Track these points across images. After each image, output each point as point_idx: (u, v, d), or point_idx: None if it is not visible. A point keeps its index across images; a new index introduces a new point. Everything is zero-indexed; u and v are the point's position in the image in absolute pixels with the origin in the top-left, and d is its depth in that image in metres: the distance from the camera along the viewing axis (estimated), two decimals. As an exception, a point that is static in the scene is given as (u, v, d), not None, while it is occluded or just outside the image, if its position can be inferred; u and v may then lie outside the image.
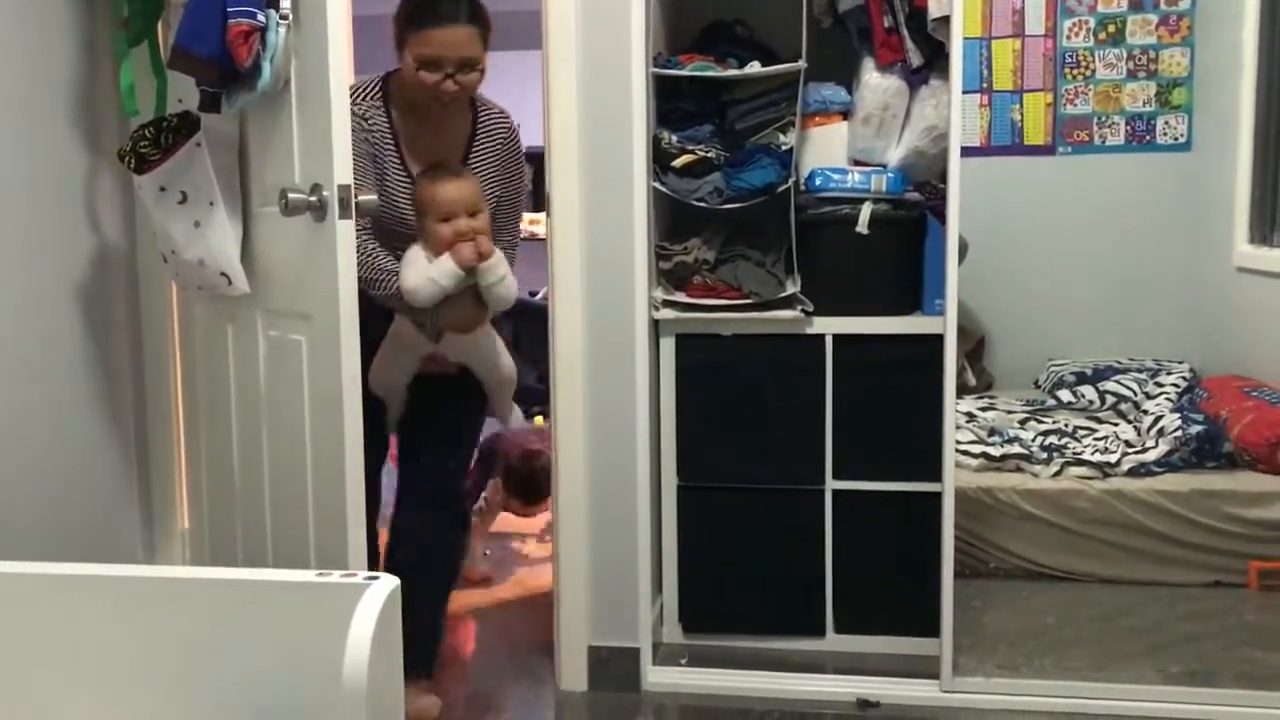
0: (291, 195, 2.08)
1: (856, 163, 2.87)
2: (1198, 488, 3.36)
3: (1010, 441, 3.58)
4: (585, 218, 2.70)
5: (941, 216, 2.64)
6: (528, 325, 5.14)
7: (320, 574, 1.49)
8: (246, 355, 2.40)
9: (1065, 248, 4.51)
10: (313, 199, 2.07)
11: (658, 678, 2.77)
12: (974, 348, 4.50)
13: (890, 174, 2.82)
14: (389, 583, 1.43)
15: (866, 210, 2.78)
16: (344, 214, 2.04)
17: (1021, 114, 4.63)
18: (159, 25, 2.49)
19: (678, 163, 2.80)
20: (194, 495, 2.78)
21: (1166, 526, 3.33)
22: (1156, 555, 3.34)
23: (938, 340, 2.64)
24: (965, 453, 3.48)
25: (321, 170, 2.06)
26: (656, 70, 2.77)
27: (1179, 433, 3.54)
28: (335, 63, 2.01)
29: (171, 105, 2.45)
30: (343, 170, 2.04)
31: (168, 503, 2.83)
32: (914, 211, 2.84)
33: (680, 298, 2.82)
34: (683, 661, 2.86)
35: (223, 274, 2.33)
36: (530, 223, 7.08)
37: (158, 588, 1.56)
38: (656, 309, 2.80)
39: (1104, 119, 4.58)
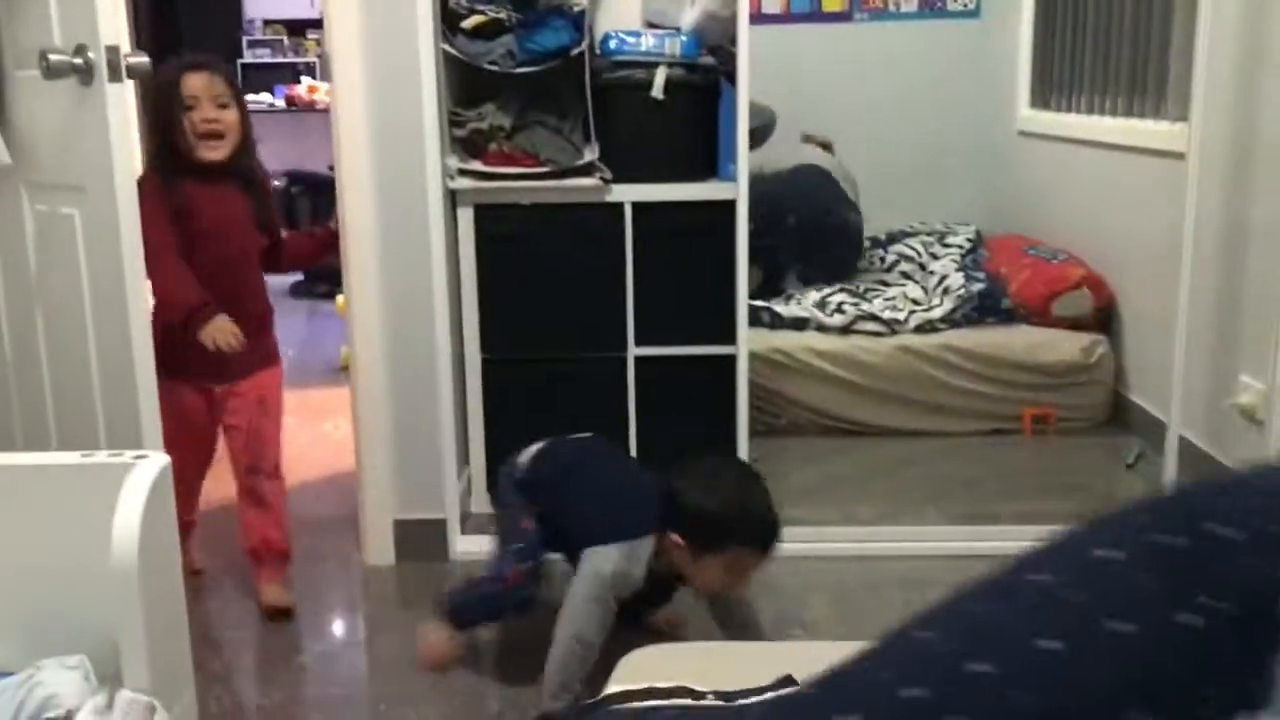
0: (53, 57, 1.92)
1: (651, 25, 2.83)
2: (979, 341, 3.56)
3: (798, 303, 3.70)
4: (370, 84, 2.59)
5: (735, 81, 2.64)
6: (325, 200, 4.95)
7: (85, 454, 1.42)
8: (10, 231, 2.23)
9: (862, 115, 4.60)
10: (77, 61, 1.91)
11: (466, 546, 2.79)
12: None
13: (684, 37, 2.79)
14: (157, 460, 1.38)
15: (661, 74, 2.75)
16: (114, 77, 1.89)
17: (820, -19, 4.66)
18: None
19: (467, 24, 2.70)
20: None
21: (950, 379, 3.53)
22: (941, 407, 3.54)
23: (732, 206, 2.67)
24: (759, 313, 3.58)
25: (86, 29, 1.89)
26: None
27: (962, 290, 3.72)
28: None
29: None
30: (109, 29, 1.88)
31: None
32: (709, 76, 2.84)
33: (477, 166, 2.76)
34: (491, 530, 2.88)
35: (-21, 144, 2.15)
36: (328, 94, 6.81)
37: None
38: (452, 178, 2.73)
39: (898, -14, 4.66)
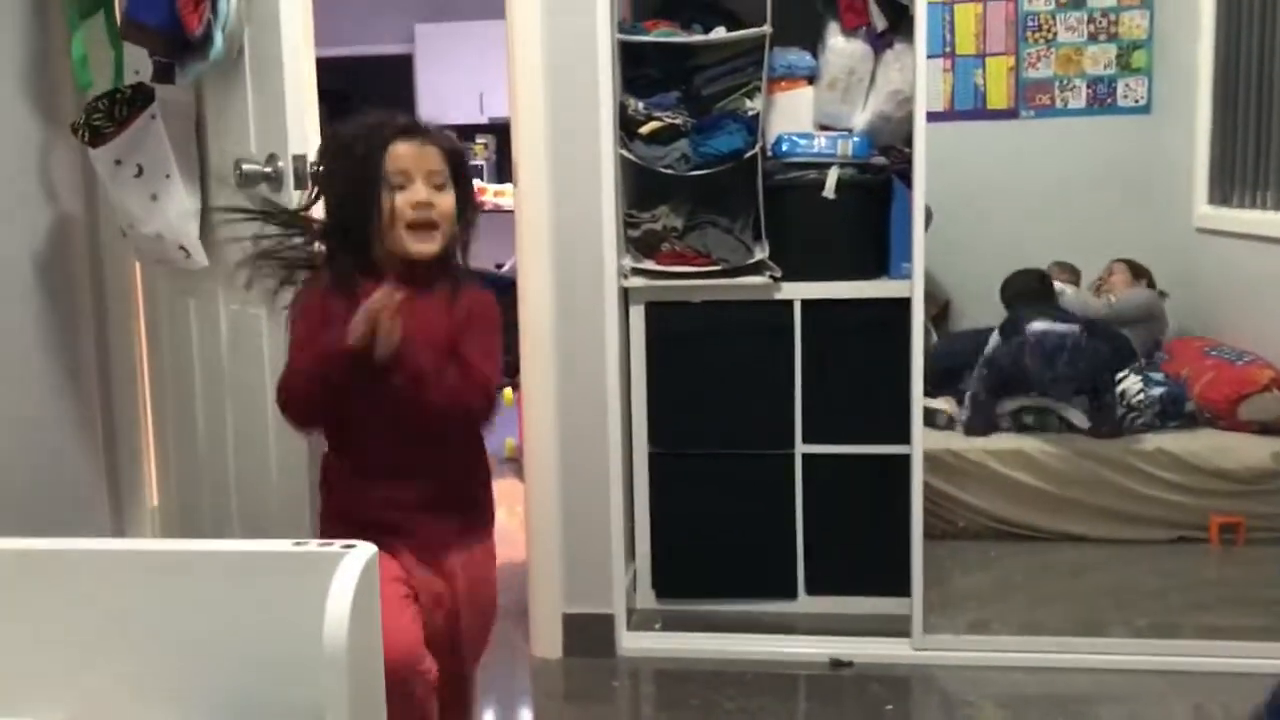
0: (245, 166, 2.06)
1: (822, 128, 2.87)
2: (1161, 445, 3.41)
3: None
4: (552, 187, 2.68)
5: (907, 180, 2.65)
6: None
7: (297, 543, 1.48)
8: (208, 330, 2.38)
9: (1029, 211, 4.54)
10: (268, 170, 2.04)
11: (632, 643, 2.79)
12: (939, 312, 4.53)
13: (856, 138, 2.82)
14: (366, 550, 1.43)
15: (833, 175, 2.78)
16: (299, 184, 2.02)
17: (984, 78, 4.65)
18: (115, -3, 2.45)
19: (645, 130, 2.79)
20: (163, 473, 2.76)
21: (1131, 483, 3.38)
22: (1122, 513, 3.39)
23: (905, 304, 2.66)
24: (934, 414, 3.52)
25: (276, 140, 2.03)
26: (622, 37, 2.76)
27: (1141, 396, 3.59)
28: (289, 30, 1.99)
29: (129, 77, 2.42)
30: (298, 139, 2.02)
31: (136, 481, 2.81)
32: (880, 175, 2.85)
33: (649, 265, 2.82)
34: (657, 626, 2.88)
35: (181, 248, 2.30)
36: (496, 194, 7.09)
37: (128, 561, 1.54)
38: (626, 277, 2.80)
39: (1065, 82, 4.61)
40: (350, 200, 1.75)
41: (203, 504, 2.49)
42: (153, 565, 1.54)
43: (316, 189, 1.85)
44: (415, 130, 1.75)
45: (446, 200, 1.76)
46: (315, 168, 1.85)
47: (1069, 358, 3.47)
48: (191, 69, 2.16)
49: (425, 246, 1.74)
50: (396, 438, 1.77)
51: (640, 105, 2.80)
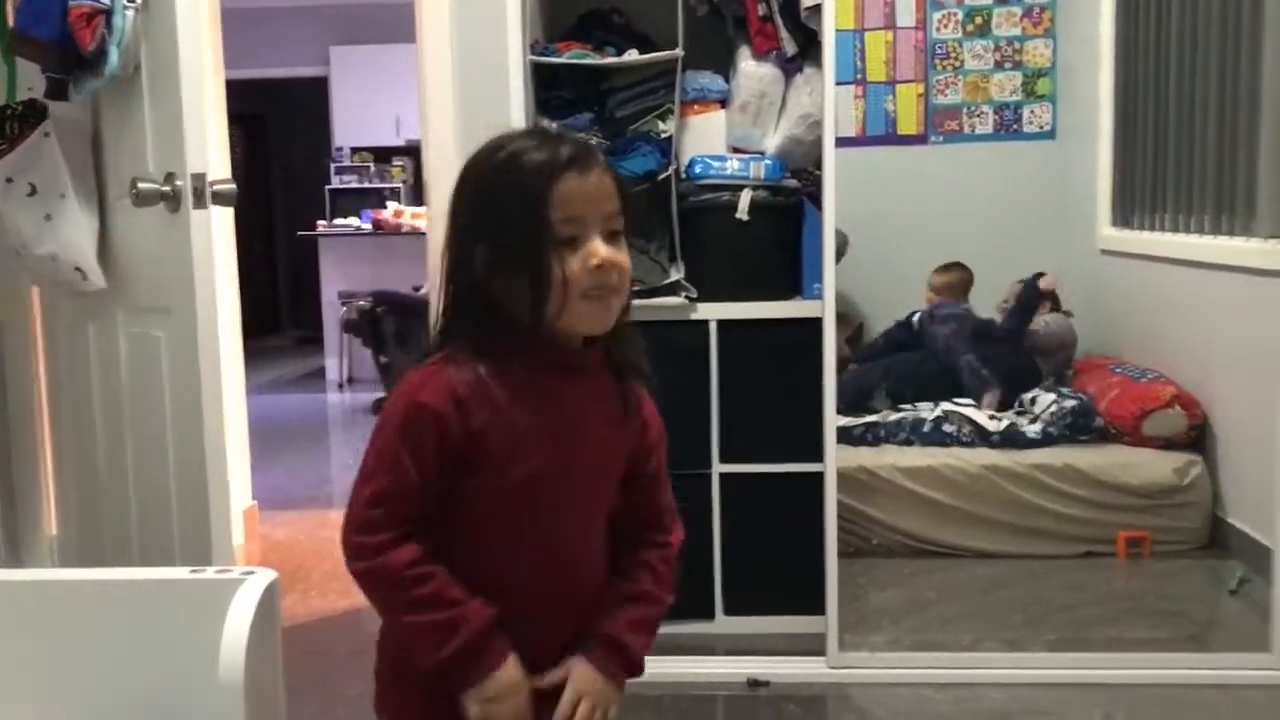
0: (142, 185, 2.01)
1: (735, 150, 2.89)
2: (1070, 461, 3.49)
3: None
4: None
5: (818, 203, 2.68)
6: (409, 322, 5.08)
7: (194, 571, 1.44)
8: (108, 353, 2.32)
9: (938, 234, 4.62)
10: (165, 188, 2.00)
11: (550, 668, 2.75)
12: (853, 333, 4.59)
13: (768, 161, 2.85)
14: (265, 577, 1.39)
15: (746, 197, 2.81)
16: (198, 204, 1.98)
17: (895, 104, 4.74)
18: (8, 9, 2.38)
19: (558, 151, 2.78)
20: (62, 500, 2.67)
21: (1040, 499, 3.45)
22: (1031, 528, 3.46)
23: (818, 324, 2.68)
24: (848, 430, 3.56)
25: (174, 158, 1.99)
26: (534, 58, 2.75)
27: (1054, 408, 3.67)
28: (186, 47, 1.95)
29: (21, 93, 2.35)
30: (196, 157, 1.98)
31: (33, 508, 2.72)
32: (792, 198, 2.88)
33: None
34: (574, 651, 2.84)
35: (77, 269, 2.24)
36: (414, 216, 7.04)
37: (21, 591, 1.49)
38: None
39: (973, 108, 4.73)
40: (507, 263, 1.19)
41: (103, 532, 2.41)
42: (45, 595, 1.49)
43: (453, 248, 1.24)
44: (587, 159, 1.20)
45: (625, 257, 1.22)
46: (456, 220, 1.25)
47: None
48: (86, 85, 2.11)
49: (603, 320, 1.22)
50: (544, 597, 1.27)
51: (554, 127, 2.80)
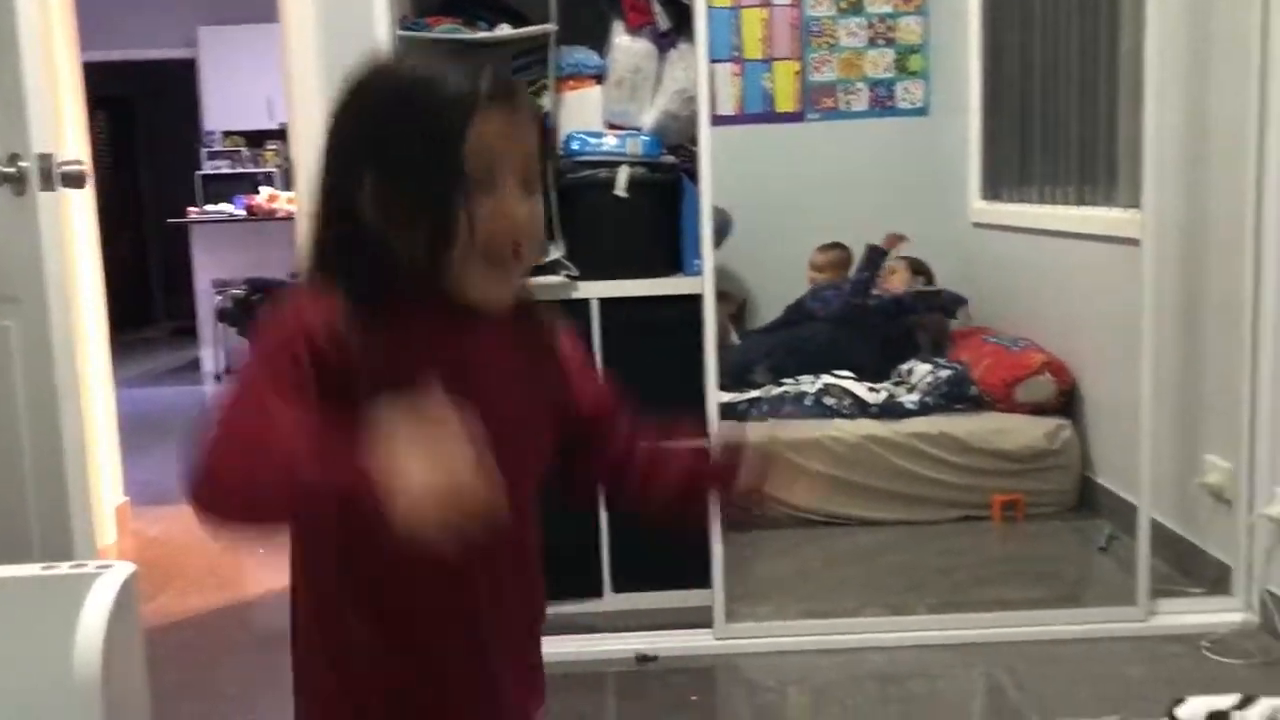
0: (-17, 166, 1.91)
1: (612, 126, 2.88)
2: (946, 429, 3.57)
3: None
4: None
5: (696, 178, 2.69)
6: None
7: (46, 566, 1.37)
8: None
9: (818, 212, 4.68)
10: (10, 170, 1.90)
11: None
12: (737, 311, 4.63)
13: (645, 137, 2.84)
14: (122, 570, 1.34)
15: (624, 173, 2.79)
16: (46, 186, 1.89)
17: (772, 82, 4.78)
18: None
19: (431, 128, 2.73)
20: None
21: (918, 467, 3.53)
22: (912, 495, 3.54)
23: (698, 300, 2.69)
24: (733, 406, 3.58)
25: (18, 138, 1.89)
26: (403, 33, 2.69)
27: (930, 378, 3.75)
28: (27, 21, 1.85)
29: None
30: (43, 137, 1.89)
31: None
32: (670, 174, 2.88)
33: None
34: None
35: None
36: (289, 201, 6.85)
37: None
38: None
39: (848, 86, 4.79)
40: (402, 204, 1.00)
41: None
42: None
43: (332, 171, 1.04)
44: (513, 92, 1.03)
45: (538, 209, 1.04)
46: (340, 138, 1.05)
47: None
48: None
49: (504, 291, 1.04)
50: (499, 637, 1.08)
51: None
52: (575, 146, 2.81)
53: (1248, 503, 2.74)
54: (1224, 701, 1.42)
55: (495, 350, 1.06)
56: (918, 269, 4.41)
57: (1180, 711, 1.42)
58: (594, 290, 2.81)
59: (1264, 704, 1.42)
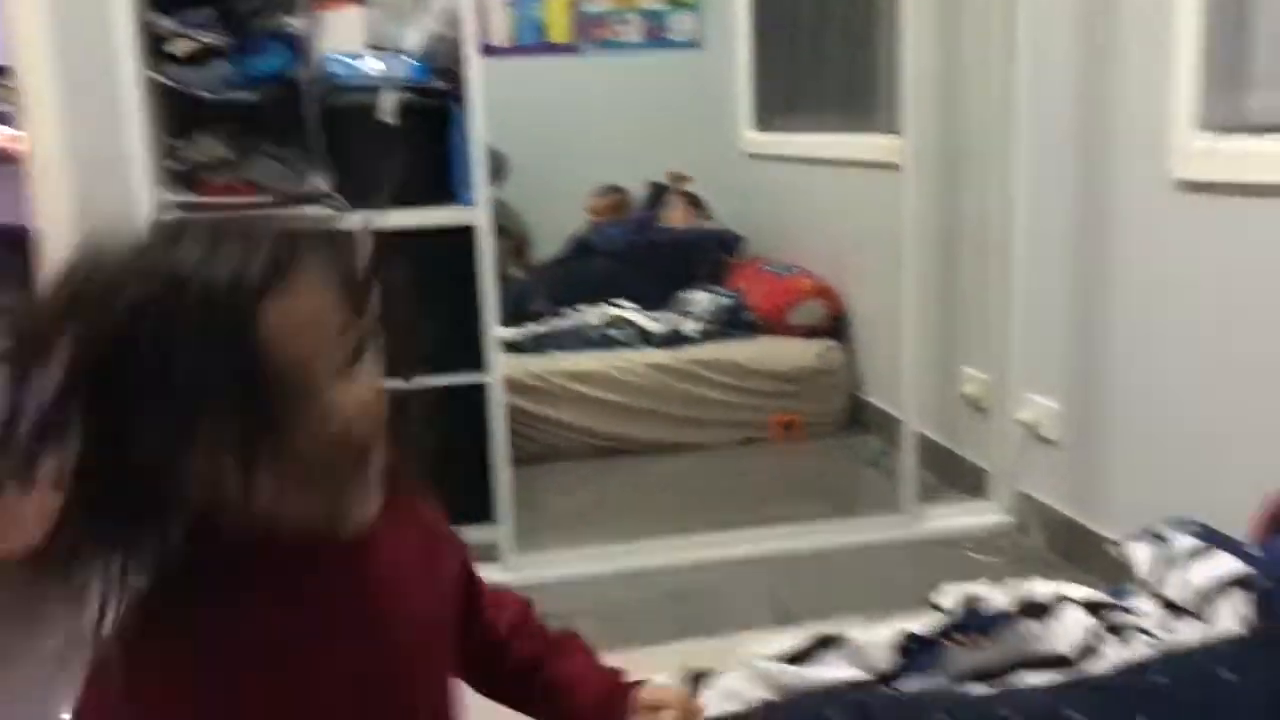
0: None
1: (375, 48, 2.75)
2: (723, 354, 3.65)
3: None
4: (70, 126, 2.38)
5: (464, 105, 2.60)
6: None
7: None
8: None
9: (595, 147, 4.65)
10: None
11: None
12: (517, 246, 4.57)
13: (411, 60, 2.73)
14: None
15: (391, 98, 2.67)
16: None
17: (545, 11, 4.70)
18: None
19: (179, 51, 2.54)
20: None
21: (701, 392, 3.60)
22: (698, 420, 3.61)
23: (473, 232, 2.62)
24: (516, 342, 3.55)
25: None
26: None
27: (710, 306, 3.83)
28: None
29: None
30: None
31: None
32: (440, 100, 2.78)
33: (191, 198, 2.59)
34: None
35: None
36: (10, 140, 6.28)
37: None
38: (165, 214, 2.55)
39: (620, 16, 4.76)
40: (210, 440, 0.72)
41: None
42: None
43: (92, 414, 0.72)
44: (297, 263, 0.76)
45: (377, 381, 0.82)
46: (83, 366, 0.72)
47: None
48: None
49: (362, 507, 0.81)
50: None
51: (171, 24, 2.55)
52: (337, 70, 2.67)
53: (1001, 410, 2.92)
54: (977, 588, 1.50)
55: (382, 560, 0.85)
56: (695, 203, 4.46)
57: (939, 599, 1.50)
58: (362, 222, 2.69)
59: (1012, 585, 1.51)
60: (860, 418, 3.74)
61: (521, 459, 2.87)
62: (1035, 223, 2.77)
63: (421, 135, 2.75)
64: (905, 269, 2.87)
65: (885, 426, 3.46)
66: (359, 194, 2.68)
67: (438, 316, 2.69)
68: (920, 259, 2.94)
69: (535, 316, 3.86)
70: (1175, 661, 1.10)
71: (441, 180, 2.78)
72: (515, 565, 2.69)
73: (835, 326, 3.82)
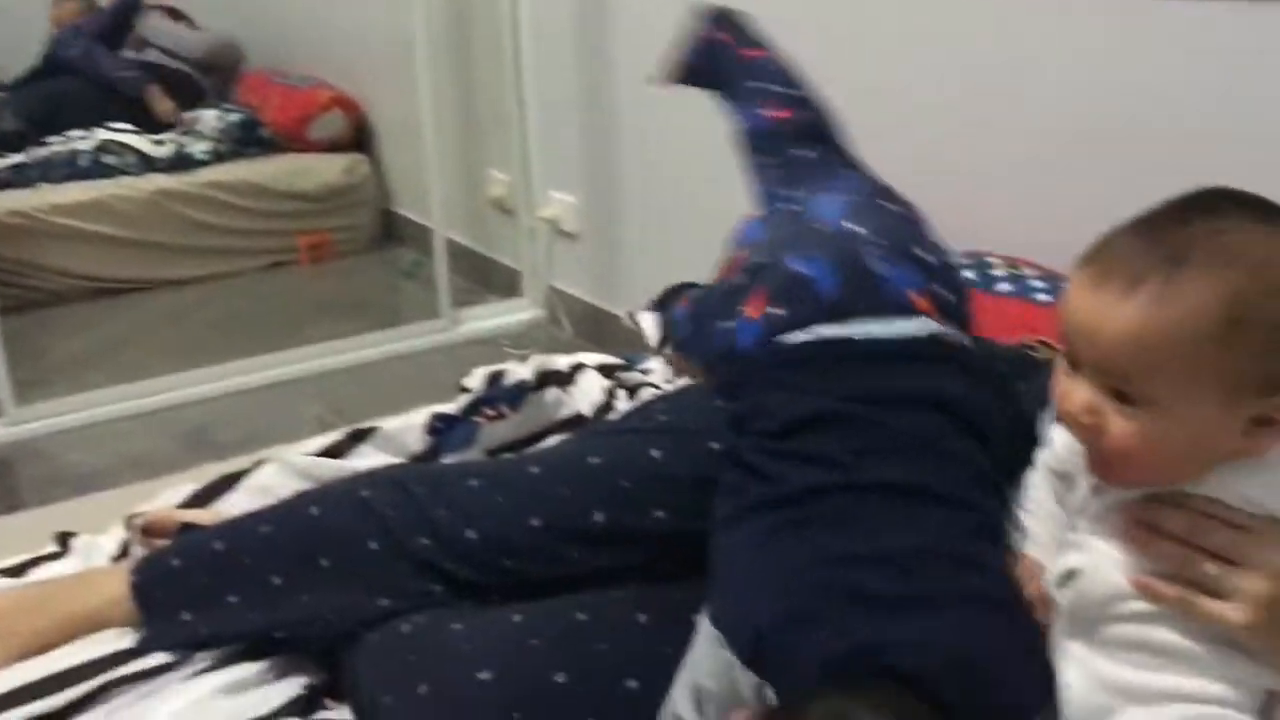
0: None
1: None
2: (243, 176, 3.43)
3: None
4: None
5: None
6: None
7: None
8: None
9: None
10: None
11: None
12: None
13: None
14: None
15: None
16: None
17: None
18: None
19: None
20: None
21: (217, 218, 3.37)
22: (215, 248, 3.39)
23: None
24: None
25: None
26: None
27: (219, 124, 3.55)
28: None
29: None
30: None
31: None
32: None
33: None
34: None
35: None
36: None
37: None
38: None
39: None
40: None
41: None
42: None
43: None
44: None
45: None
46: None
47: None
48: None
49: None
50: None
51: None
52: None
53: (527, 210, 2.99)
54: (502, 366, 1.55)
55: None
56: (177, 15, 4.02)
57: (467, 381, 1.53)
58: None
59: (533, 360, 1.57)
60: (392, 231, 3.68)
61: (15, 306, 2.55)
62: (542, 24, 2.80)
63: None
64: (419, 74, 2.81)
65: (418, 237, 3.43)
66: None
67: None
68: (435, 63, 2.88)
69: (14, 146, 3.38)
70: (674, 399, 1.19)
71: None
72: (18, 417, 2.42)
73: (358, 139, 3.69)
